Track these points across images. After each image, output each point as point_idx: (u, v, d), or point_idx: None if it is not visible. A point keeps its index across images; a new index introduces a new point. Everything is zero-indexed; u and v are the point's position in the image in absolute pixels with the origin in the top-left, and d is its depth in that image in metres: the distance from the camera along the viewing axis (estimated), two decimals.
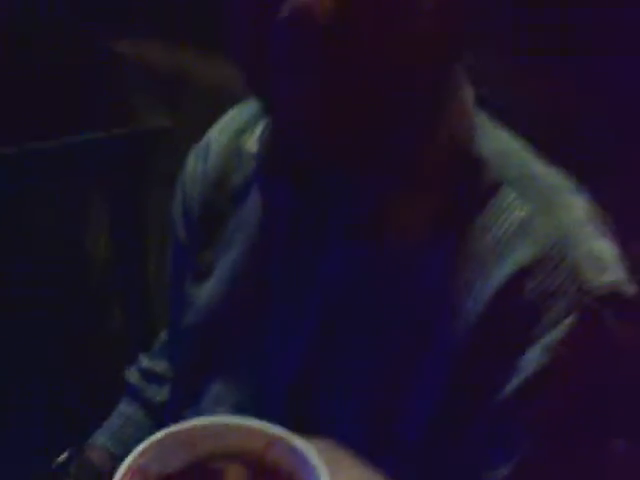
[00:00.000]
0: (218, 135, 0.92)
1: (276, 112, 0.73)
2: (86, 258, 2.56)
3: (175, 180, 0.96)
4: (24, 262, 2.48)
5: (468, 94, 0.78)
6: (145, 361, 1.08)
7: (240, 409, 0.82)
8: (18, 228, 2.61)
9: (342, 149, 0.69)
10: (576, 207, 0.75)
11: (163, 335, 1.08)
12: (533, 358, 0.69)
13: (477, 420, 0.71)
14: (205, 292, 0.88)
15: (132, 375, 1.08)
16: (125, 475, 0.54)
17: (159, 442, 0.56)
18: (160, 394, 1.05)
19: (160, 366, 1.06)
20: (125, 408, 1.06)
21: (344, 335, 0.78)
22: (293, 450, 0.55)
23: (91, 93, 2.05)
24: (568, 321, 0.69)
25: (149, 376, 1.07)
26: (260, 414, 0.59)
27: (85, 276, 2.50)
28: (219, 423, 0.58)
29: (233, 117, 0.93)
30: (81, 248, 2.54)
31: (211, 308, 0.87)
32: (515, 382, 0.70)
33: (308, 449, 0.55)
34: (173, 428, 0.57)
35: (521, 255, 0.71)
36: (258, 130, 0.85)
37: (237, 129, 0.90)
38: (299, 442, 0.55)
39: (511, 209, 0.74)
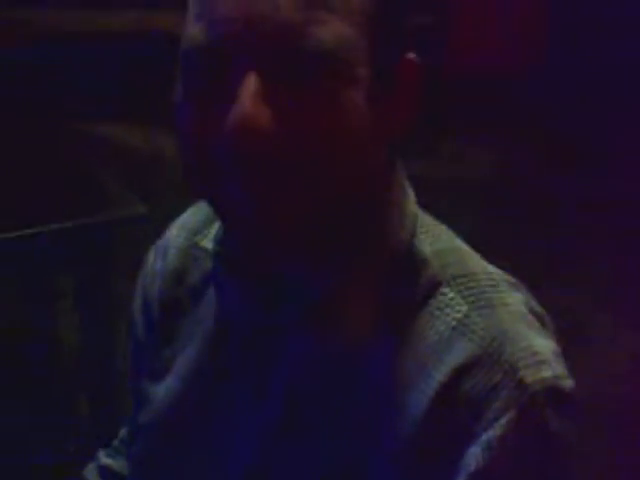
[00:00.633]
0: (176, 233, 0.93)
1: (222, 214, 0.75)
2: (54, 345, 2.55)
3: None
4: None
5: (408, 196, 0.81)
6: (103, 458, 1.07)
7: None
8: None
9: (286, 250, 0.72)
10: (513, 304, 0.76)
11: (122, 432, 1.07)
12: (474, 455, 0.70)
13: None
14: (162, 389, 0.88)
15: (90, 472, 1.07)
16: None
17: None
18: None
19: (118, 464, 1.05)
20: None
21: (298, 429, 0.78)
22: None
23: (63, 179, 2.05)
24: (507, 418, 0.70)
25: (106, 473, 1.05)
26: None
27: (52, 363, 2.48)
28: None
29: (190, 216, 0.94)
30: (49, 335, 2.53)
31: (167, 405, 0.87)
32: (459, 477, 0.70)
33: None
34: None
35: (460, 353, 0.73)
36: (213, 229, 0.87)
37: (194, 228, 0.92)
38: None
39: (449, 309, 0.75)
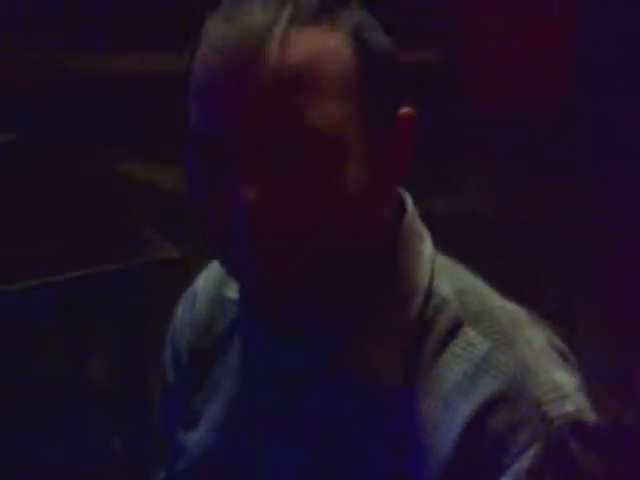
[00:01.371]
0: (204, 284, 0.97)
1: (236, 278, 0.81)
2: (89, 390, 2.57)
3: None
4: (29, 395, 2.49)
5: (423, 239, 0.84)
6: None
7: None
8: (25, 360, 2.63)
9: (300, 307, 0.78)
10: (535, 339, 0.79)
11: (156, 477, 1.08)
12: None
13: None
14: (195, 439, 0.90)
15: None
16: None
17: None
18: None
19: None
20: None
21: (330, 473, 0.80)
22: None
23: (97, 223, 2.08)
24: (532, 451, 0.73)
25: None
26: None
27: (87, 407, 2.50)
28: None
29: (216, 267, 0.97)
30: (84, 379, 2.55)
31: (200, 455, 0.89)
32: None
33: None
34: None
35: (484, 390, 0.75)
36: None
37: (220, 278, 0.94)
38: None
39: (472, 347, 0.78)
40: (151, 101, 4.81)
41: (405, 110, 0.79)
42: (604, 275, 3.75)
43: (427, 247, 0.83)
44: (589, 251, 3.92)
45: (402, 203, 0.83)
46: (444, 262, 0.84)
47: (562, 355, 0.80)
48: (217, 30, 0.75)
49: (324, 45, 0.74)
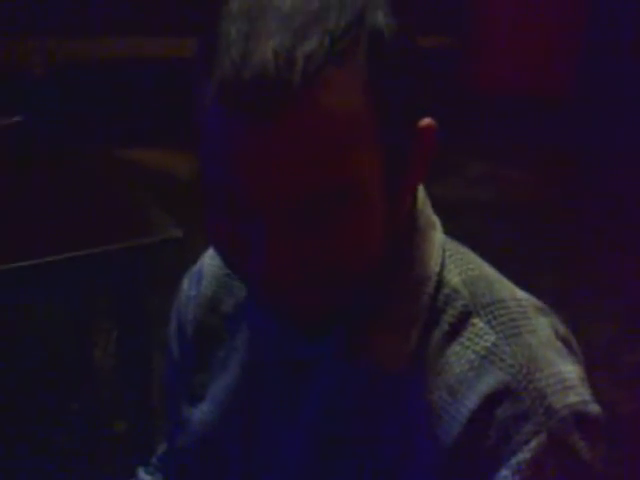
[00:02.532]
0: (210, 261, 0.97)
1: (252, 290, 0.82)
2: (92, 366, 2.58)
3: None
4: (27, 369, 2.51)
5: (435, 227, 0.84)
6: (142, 474, 1.10)
7: None
8: (26, 338, 2.64)
9: (314, 312, 0.77)
10: (541, 330, 0.79)
11: (160, 448, 1.11)
12: (505, 478, 0.73)
13: None
14: (199, 414, 0.92)
15: None
16: None
17: None
18: None
19: (157, 479, 1.08)
20: None
21: (332, 458, 0.81)
22: None
23: (101, 203, 2.08)
24: (535, 442, 0.73)
25: None
26: None
27: (90, 383, 2.52)
28: None
29: None
30: (87, 356, 2.57)
31: (205, 430, 0.91)
32: None
33: None
34: None
35: (490, 381, 0.75)
36: None
37: None
38: None
39: (479, 338, 0.78)
40: (156, 85, 4.81)
41: (425, 122, 0.77)
42: (604, 260, 3.76)
43: (438, 235, 0.84)
44: (584, 240, 3.93)
45: (415, 201, 0.83)
46: (454, 249, 0.84)
47: (567, 345, 0.81)
48: (227, 63, 0.67)
49: (340, 95, 0.68)
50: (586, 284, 3.53)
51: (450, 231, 0.86)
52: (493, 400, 0.75)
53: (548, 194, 4.45)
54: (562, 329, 0.82)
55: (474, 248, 0.87)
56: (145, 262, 1.94)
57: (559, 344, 0.80)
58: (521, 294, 0.83)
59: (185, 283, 0.99)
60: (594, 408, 0.76)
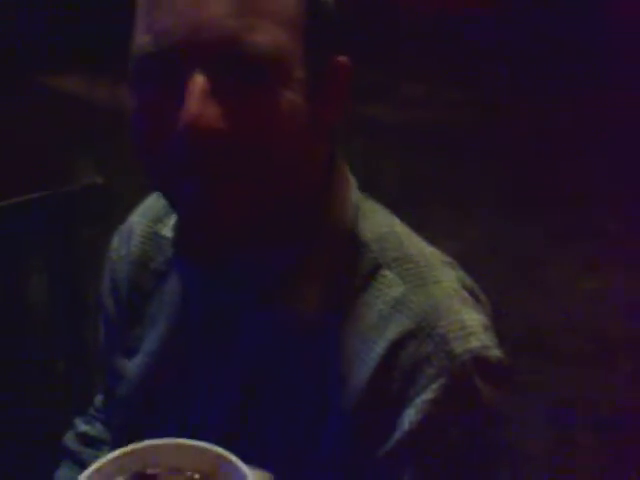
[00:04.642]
0: (138, 220, 1.00)
1: (179, 208, 0.83)
2: (26, 312, 2.58)
3: (108, 236, 1.04)
4: None
5: (350, 185, 0.89)
6: (81, 425, 1.14)
7: None
8: None
9: (237, 236, 0.80)
10: (446, 281, 0.84)
11: (97, 399, 1.14)
12: (409, 416, 0.79)
13: (370, 470, 0.80)
14: (134, 366, 0.96)
15: (69, 439, 1.14)
16: None
17: (114, 459, 0.65)
18: (97, 456, 1.10)
19: (96, 429, 1.13)
20: (64, 471, 1.12)
21: (257, 405, 0.86)
22: (236, 470, 0.63)
23: (21, 153, 2.07)
24: (438, 383, 0.79)
25: (85, 439, 1.13)
26: None
27: (25, 329, 2.52)
28: (171, 443, 0.66)
29: (151, 204, 1.01)
30: (18, 306, 2.56)
31: (141, 380, 0.95)
32: (396, 436, 0.79)
33: (250, 473, 0.63)
34: (127, 447, 0.66)
35: (397, 329, 0.81)
36: (173, 218, 0.94)
37: (155, 215, 0.98)
38: (242, 464, 0.63)
39: (388, 289, 0.83)
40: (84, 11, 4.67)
41: (343, 58, 0.83)
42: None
43: (353, 194, 0.88)
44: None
45: (332, 155, 0.87)
46: (369, 207, 0.89)
47: (473, 295, 0.86)
48: None
49: None
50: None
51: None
52: (399, 345, 0.80)
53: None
54: (469, 282, 0.87)
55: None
56: (69, 208, 1.94)
57: (465, 294, 0.85)
58: (429, 249, 0.88)
59: (115, 242, 1.02)
60: (495, 353, 0.81)
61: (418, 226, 0.92)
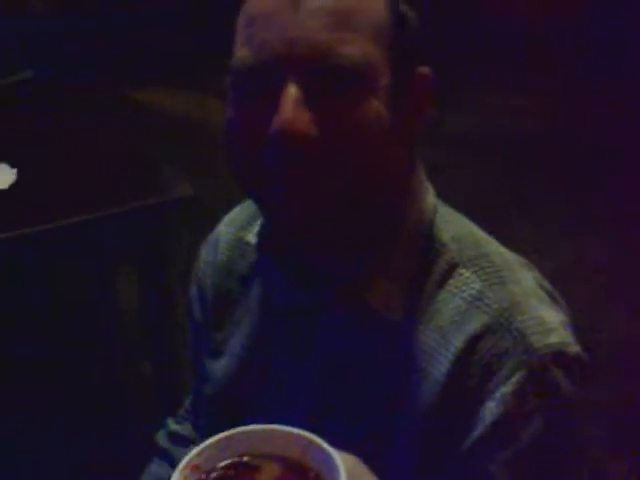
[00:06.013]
0: (225, 229, 1.06)
1: (266, 211, 0.89)
2: (116, 321, 2.66)
3: (197, 246, 1.10)
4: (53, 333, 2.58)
5: (428, 190, 0.93)
6: (172, 424, 1.20)
7: None
8: (49, 301, 2.70)
9: (319, 239, 0.85)
10: (524, 280, 0.87)
11: (187, 401, 1.21)
12: (490, 409, 0.82)
13: (451, 464, 0.83)
14: (219, 367, 1.01)
15: (160, 437, 1.20)
16: (184, 469, 0.67)
17: (212, 445, 0.69)
18: (185, 454, 1.15)
19: (185, 429, 1.18)
20: (156, 468, 1.18)
21: (335, 398, 0.90)
22: (325, 454, 0.66)
23: (113, 166, 2.13)
24: (518, 376, 0.81)
25: (176, 438, 1.18)
26: None
27: (116, 336, 2.60)
28: (263, 429, 0.70)
29: (237, 213, 1.07)
30: (110, 318, 2.63)
31: (226, 380, 1.00)
32: (478, 430, 0.82)
33: (337, 456, 0.66)
34: (224, 434, 0.69)
35: (475, 324, 0.84)
36: (257, 225, 0.99)
37: (240, 224, 1.04)
38: (331, 449, 0.67)
39: (466, 286, 0.87)
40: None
41: (425, 69, 0.88)
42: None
43: (430, 196, 0.92)
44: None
45: (411, 161, 0.91)
46: (446, 212, 0.93)
47: (550, 296, 0.88)
48: None
49: None
50: None
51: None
52: (477, 340, 0.83)
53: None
54: (546, 283, 0.90)
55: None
56: (160, 221, 2.00)
57: (542, 293, 0.87)
58: (506, 250, 0.91)
59: (203, 251, 1.08)
60: (574, 349, 0.84)
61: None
